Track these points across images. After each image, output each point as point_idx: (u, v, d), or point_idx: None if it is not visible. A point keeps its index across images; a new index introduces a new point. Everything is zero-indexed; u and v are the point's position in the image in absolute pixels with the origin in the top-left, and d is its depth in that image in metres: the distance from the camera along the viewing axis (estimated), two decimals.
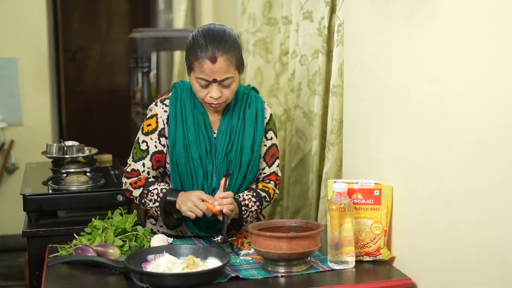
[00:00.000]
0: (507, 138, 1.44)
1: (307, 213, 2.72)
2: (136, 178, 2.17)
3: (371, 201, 1.96)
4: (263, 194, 2.19)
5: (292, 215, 2.89)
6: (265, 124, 2.20)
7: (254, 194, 2.17)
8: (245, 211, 2.13)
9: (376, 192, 1.96)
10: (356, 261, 1.93)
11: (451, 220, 1.67)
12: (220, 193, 2.05)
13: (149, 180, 2.16)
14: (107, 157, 3.20)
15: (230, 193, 2.07)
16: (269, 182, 2.25)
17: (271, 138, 2.24)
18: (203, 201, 2.03)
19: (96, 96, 6.22)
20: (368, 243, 1.97)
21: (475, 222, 1.57)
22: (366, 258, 1.97)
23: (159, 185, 2.13)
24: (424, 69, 1.76)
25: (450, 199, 1.67)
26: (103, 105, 6.20)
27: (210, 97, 2.04)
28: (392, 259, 1.99)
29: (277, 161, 2.27)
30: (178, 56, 4.94)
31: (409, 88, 1.84)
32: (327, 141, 2.44)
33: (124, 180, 2.21)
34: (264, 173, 2.25)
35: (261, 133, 2.18)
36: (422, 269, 1.82)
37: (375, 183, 1.96)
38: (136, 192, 2.15)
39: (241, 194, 2.15)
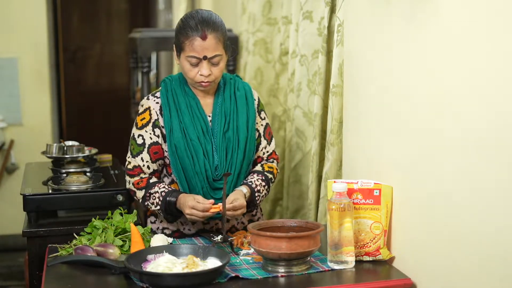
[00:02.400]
0: (507, 138, 1.44)
1: (307, 213, 2.72)
2: (138, 178, 2.21)
3: (371, 201, 1.96)
4: (270, 176, 2.29)
5: (292, 215, 2.89)
6: (256, 105, 2.31)
7: (263, 177, 2.26)
8: (258, 197, 2.22)
9: (376, 192, 1.96)
10: (356, 261, 1.93)
11: (451, 220, 1.67)
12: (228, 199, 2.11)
13: (150, 181, 2.20)
14: (107, 157, 3.20)
15: (241, 203, 2.12)
16: (272, 162, 2.35)
17: (264, 118, 2.36)
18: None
19: (96, 96, 6.21)
20: (367, 243, 1.97)
21: (475, 222, 1.57)
22: (366, 258, 1.97)
23: (159, 187, 2.17)
24: (424, 69, 1.76)
25: (450, 199, 1.67)
26: (103, 105, 6.19)
27: (201, 75, 2.13)
28: (391, 259, 1.99)
29: (273, 140, 2.39)
30: None
31: (409, 88, 1.84)
32: (327, 141, 2.44)
33: (127, 178, 2.25)
34: (267, 151, 2.35)
35: (253, 113, 2.27)
36: (422, 269, 1.82)
37: (375, 183, 1.96)
38: (139, 194, 2.21)
39: (253, 180, 2.23)
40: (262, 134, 2.33)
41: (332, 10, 2.44)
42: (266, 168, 2.30)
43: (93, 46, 6.25)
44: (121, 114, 5.69)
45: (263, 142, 2.33)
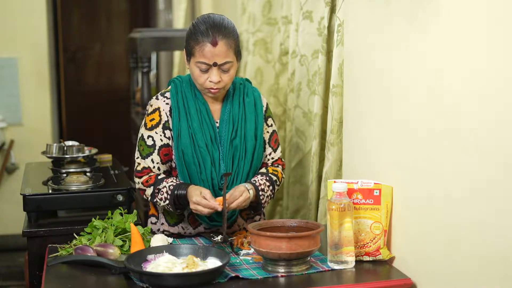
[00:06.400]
0: (507, 138, 1.44)
1: (307, 213, 2.72)
2: (147, 177, 2.19)
3: (371, 201, 1.96)
4: (274, 178, 2.25)
5: (292, 215, 2.89)
6: (264, 111, 2.28)
7: (267, 178, 2.22)
8: (262, 196, 2.17)
9: (376, 192, 1.96)
10: (356, 261, 1.93)
11: (451, 220, 1.67)
12: (228, 194, 2.08)
13: (159, 177, 2.18)
14: (107, 157, 3.20)
15: (240, 189, 2.10)
16: (277, 166, 2.32)
17: (271, 125, 2.32)
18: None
19: (96, 96, 6.21)
20: (368, 243, 1.97)
21: (475, 222, 1.57)
22: (366, 258, 1.97)
23: (167, 182, 2.15)
24: (424, 69, 1.76)
25: (450, 199, 1.67)
26: (103, 105, 6.19)
27: (210, 81, 2.10)
28: (392, 259, 1.99)
29: (280, 147, 2.35)
30: (178, 56, 4.94)
31: (409, 88, 1.84)
32: (327, 141, 2.44)
33: (136, 180, 2.23)
34: (272, 158, 2.32)
35: (261, 120, 2.25)
36: (422, 269, 1.82)
37: (375, 183, 1.96)
38: (148, 191, 2.19)
39: (256, 179, 2.19)
40: (267, 141, 2.29)
41: (332, 10, 2.44)
42: (271, 171, 2.27)
43: (93, 46, 6.25)
44: (121, 114, 5.69)
45: (268, 149, 2.30)
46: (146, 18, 6.40)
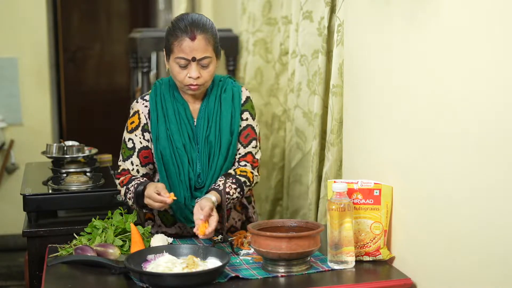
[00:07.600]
0: (507, 138, 1.44)
1: (307, 213, 2.72)
2: (123, 177, 2.21)
3: (371, 201, 1.96)
4: (243, 179, 2.17)
5: (292, 215, 2.89)
6: (241, 105, 2.23)
7: (234, 180, 2.15)
8: (228, 199, 2.11)
9: (376, 192, 1.96)
10: (356, 261, 1.93)
11: (451, 220, 1.67)
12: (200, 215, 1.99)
13: (132, 178, 2.18)
14: (107, 157, 3.20)
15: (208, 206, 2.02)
16: (245, 165, 2.24)
17: (247, 119, 2.25)
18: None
19: (96, 96, 6.21)
20: (368, 243, 1.97)
21: (475, 222, 1.57)
22: (366, 258, 1.97)
23: (135, 181, 2.15)
24: (424, 69, 1.76)
25: (450, 199, 1.67)
26: (103, 105, 6.19)
27: (189, 77, 2.09)
28: (392, 259, 1.99)
29: (254, 142, 2.25)
30: None
31: (409, 88, 1.84)
32: (327, 141, 2.44)
33: (116, 182, 2.26)
34: (239, 154, 2.24)
35: (238, 115, 2.21)
36: (422, 269, 1.82)
37: (375, 183, 1.96)
38: (122, 191, 2.20)
39: (220, 184, 2.12)
40: (238, 136, 2.22)
41: (332, 10, 2.44)
42: (238, 172, 2.18)
43: (93, 46, 6.25)
44: (121, 114, 5.67)
45: (238, 145, 2.23)
46: (146, 18, 6.40)
